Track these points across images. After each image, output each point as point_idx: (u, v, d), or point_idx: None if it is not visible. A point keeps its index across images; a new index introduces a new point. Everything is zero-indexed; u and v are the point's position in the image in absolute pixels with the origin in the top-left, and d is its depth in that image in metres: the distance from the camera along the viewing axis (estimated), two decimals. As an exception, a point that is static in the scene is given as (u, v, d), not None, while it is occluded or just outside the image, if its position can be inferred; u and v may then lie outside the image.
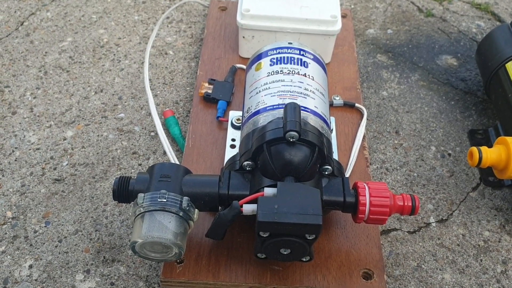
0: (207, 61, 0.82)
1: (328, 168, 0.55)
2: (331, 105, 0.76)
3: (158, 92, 0.83)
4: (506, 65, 0.70)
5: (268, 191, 0.51)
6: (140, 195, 0.51)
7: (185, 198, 0.52)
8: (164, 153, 0.73)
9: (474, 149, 0.57)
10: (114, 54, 0.89)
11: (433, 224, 0.66)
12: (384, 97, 0.82)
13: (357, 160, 0.70)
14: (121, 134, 0.76)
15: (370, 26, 0.96)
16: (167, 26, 0.95)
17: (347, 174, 0.68)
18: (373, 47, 0.91)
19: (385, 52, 0.90)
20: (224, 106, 0.73)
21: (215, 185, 0.53)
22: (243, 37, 0.79)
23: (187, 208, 0.51)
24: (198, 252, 0.59)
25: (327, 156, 0.55)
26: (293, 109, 0.53)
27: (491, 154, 0.57)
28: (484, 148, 0.57)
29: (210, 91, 0.75)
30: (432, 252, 0.63)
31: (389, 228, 0.66)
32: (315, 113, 0.58)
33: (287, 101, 0.57)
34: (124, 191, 0.54)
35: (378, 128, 0.78)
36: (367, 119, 0.79)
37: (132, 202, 0.53)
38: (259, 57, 0.65)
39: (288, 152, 0.52)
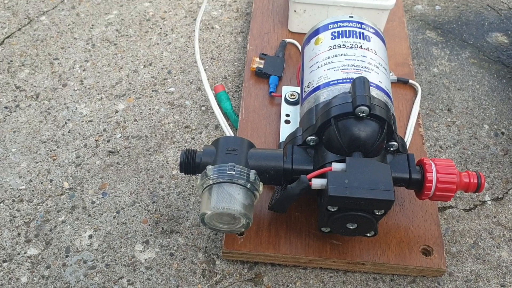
0: (256, 35, 0.81)
1: (394, 144, 0.55)
2: (383, 81, 0.75)
3: (207, 67, 0.82)
4: None
5: (336, 166, 0.51)
6: (209, 167, 0.52)
7: (252, 171, 0.52)
8: (216, 127, 0.73)
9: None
10: (161, 28, 0.89)
11: (489, 202, 0.66)
12: (435, 74, 0.81)
13: (413, 137, 0.69)
14: (173, 108, 0.76)
15: (417, 2, 0.94)
16: (212, 0, 0.94)
17: (402, 151, 0.67)
18: (421, 23, 0.90)
19: (434, 28, 0.89)
20: (276, 81, 0.73)
21: (280, 159, 0.54)
22: (294, 11, 0.78)
23: (254, 181, 0.52)
24: (258, 225, 0.60)
25: (394, 131, 0.54)
26: (362, 83, 0.52)
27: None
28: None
29: (261, 66, 0.74)
30: (489, 230, 0.63)
31: (444, 206, 0.65)
32: (380, 88, 0.57)
33: (351, 75, 0.56)
34: (191, 163, 0.54)
35: (430, 106, 0.77)
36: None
37: (199, 174, 0.53)
38: (317, 31, 0.64)
39: (357, 127, 0.52)
